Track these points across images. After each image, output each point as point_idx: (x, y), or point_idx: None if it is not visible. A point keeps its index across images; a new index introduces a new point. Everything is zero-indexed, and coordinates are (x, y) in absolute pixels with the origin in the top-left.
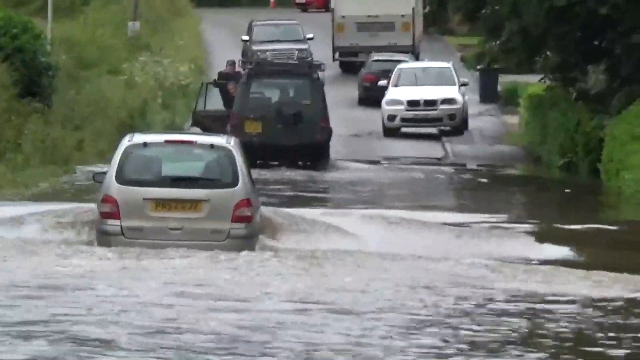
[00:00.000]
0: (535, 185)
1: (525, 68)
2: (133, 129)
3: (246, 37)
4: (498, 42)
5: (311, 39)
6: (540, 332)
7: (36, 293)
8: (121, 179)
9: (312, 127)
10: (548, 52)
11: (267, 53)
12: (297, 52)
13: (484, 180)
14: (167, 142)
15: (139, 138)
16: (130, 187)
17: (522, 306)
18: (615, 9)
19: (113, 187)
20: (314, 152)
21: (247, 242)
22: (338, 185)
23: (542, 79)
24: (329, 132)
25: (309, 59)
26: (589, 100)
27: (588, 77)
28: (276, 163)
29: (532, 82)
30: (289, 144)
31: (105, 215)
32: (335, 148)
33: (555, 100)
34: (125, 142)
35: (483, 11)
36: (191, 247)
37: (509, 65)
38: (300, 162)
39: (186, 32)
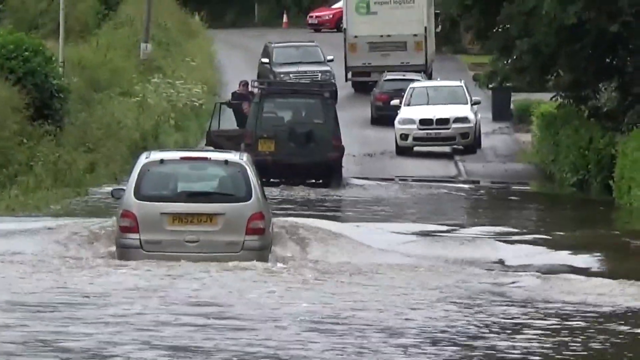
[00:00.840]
0: (549, 202)
1: (537, 86)
2: (146, 151)
3: (265, 60)
4: (509, 60)
5: (331, 60)
6: None
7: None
8: (139, 194)
9: (324, 146)
10: (559, 71)
11: (291, 75)
12: (320, 74)
13: (497, 196)
14: (182, 159)
15: (156, 155)
16: (148, 203)
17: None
18: (626, 27)
19: (132, 202)
20: (327, 170)
21: (260, 253)
22: (351, 204)
23: (554, 97)
24: (341, 150)
25: (333, 80)
26: (600, 118)
27: (600, 94)
28: (289, 181)
29: (545, 100)
30: (301, 162)
31: (124, 230)
32: (348, 167)
33: (568, 118)
34: (143, 160)
35: (494, 30)
36: (207, 259)
37: (521, 84)
38: (313, 180)
39: (198, 53)
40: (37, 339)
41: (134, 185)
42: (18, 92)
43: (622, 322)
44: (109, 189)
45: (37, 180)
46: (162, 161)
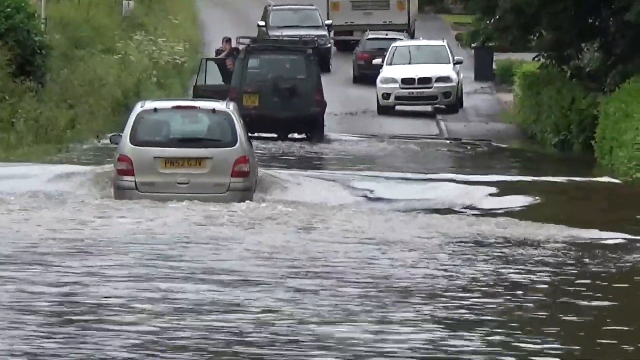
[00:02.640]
0: (529, 158)
1: (519, 46)
2: (127, 108)
3: (262, 23)
4: (492, 20)
5: (330, 25)
6: None
7: None
8: (134, 140)
9: (307, 100)
10: (542, 30)
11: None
12: (316, 38)
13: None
14: (174, 107)
15: (150, 105)
16: (143, 148)
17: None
18: None
19: (127, 147)
20: (309, 124)
21: (245, 194)
22: (331, 156)
23: (536, 56)
24: (323, 105)
25: (328, 45)
26: (583, 78)
27: (582, 55)
28: (273, 135)
29: (527, 60)
30: (285, 116)
31: (121, 172)
32: (330, 125)
33: (550, 78)
34: (138, 108)
35: None
36: (196, 199)
37: (504, 44)
38: (296, 134)
39: (181, 11)
40: None
41: (129, 132)
42: (0, 48)
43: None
44: (88, 145)
45: (19, 137)
46: (155, 110)
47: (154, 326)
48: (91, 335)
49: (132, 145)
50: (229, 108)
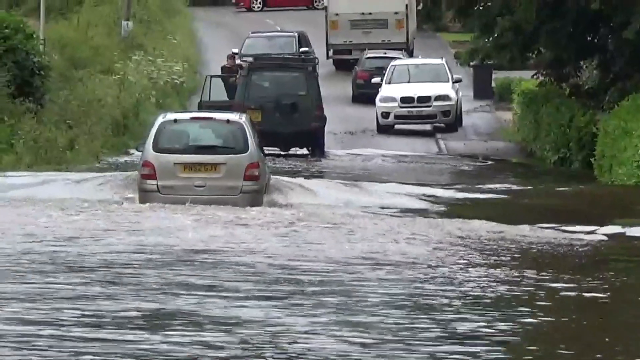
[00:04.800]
0: (530, 172)
1: (518, 64)
2: (127, 128)
3: (236, 50)
4: (491, 38)
5: (306, 51)
6: None
7: None
8: (157, 147)
9: (308, 116)
10: (541, 48)
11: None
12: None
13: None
14: (192, 118)
15: (171, 116)
16: (164, 154)
17: None
18: (607, 4)
19: (150, 154)
20: (310, 139)
21: (255, 196)
22: (331, 171)
23: (535, 74)
24: (323, 120)
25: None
26: (581, 96)
27: (581, 73)
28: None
29: (526, 78)
30: (286, 131)
31: (145, 177)
32: (330, 144)
33: (549, 96)
34: (160, 119)
35: (475, 8)
36: (212, 201)
37: (502, 62)
38: (297, 148)
39: (179, 31)
40: None
41: (152, 140)
42: None
43: None
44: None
45: (18, 158)
46: (175, 120)
47: None
48: None
49: (155, 152)
50: (241, 119)
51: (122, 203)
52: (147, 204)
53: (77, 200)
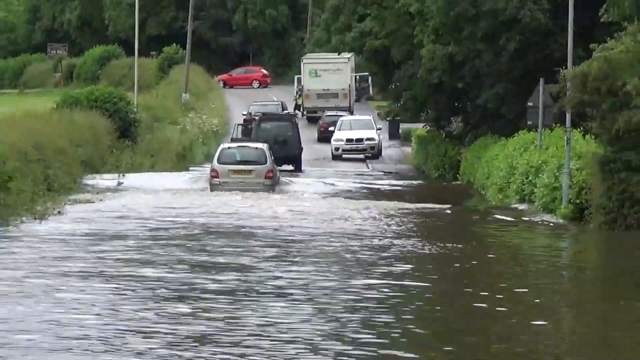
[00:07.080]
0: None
1: (415, 119)
2: (185, 157)
3: (245, 112)
4: (399, 104)
5: (294, 115)
6: None
7: None
8: (219, 161)
9: (292, 147)
10: (428, 110)
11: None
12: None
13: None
14: (238, 146)
15: (226, 145)
16: (223, 164)
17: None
18: (467, 84)
19: (216, 165)
20: (294, 160)
21: (272, 187)
22: (306, 177)
23: (424, 125)
24: (301, 150)
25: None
26: (452, 138)
27: (452, 124)
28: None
29: (419, 127)
30: (280, 155)
31: (213, 176)
32: (305, 164)
33: (433, 138)
34: (221, 147)
35: (390, 86)
36: (248, 190)
37: (406, 118)
38: (286, 165)
39: (216, 99)
40: None
41: (217, 157)
42: (110, 122)
43: None
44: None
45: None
46: (229, 147)
47: None
48: None
49: (218, 164)
50: (263, 146)
51: (203, 190)
52: (214, 192)
53: (184, 188)
